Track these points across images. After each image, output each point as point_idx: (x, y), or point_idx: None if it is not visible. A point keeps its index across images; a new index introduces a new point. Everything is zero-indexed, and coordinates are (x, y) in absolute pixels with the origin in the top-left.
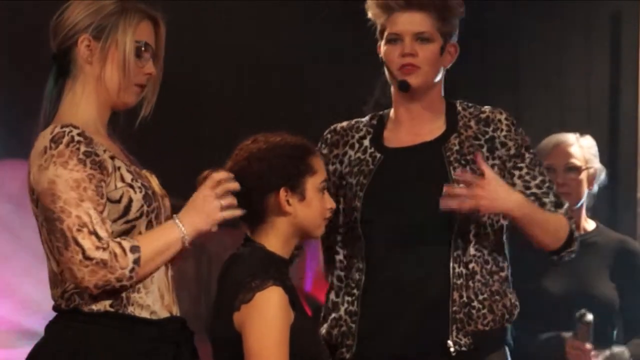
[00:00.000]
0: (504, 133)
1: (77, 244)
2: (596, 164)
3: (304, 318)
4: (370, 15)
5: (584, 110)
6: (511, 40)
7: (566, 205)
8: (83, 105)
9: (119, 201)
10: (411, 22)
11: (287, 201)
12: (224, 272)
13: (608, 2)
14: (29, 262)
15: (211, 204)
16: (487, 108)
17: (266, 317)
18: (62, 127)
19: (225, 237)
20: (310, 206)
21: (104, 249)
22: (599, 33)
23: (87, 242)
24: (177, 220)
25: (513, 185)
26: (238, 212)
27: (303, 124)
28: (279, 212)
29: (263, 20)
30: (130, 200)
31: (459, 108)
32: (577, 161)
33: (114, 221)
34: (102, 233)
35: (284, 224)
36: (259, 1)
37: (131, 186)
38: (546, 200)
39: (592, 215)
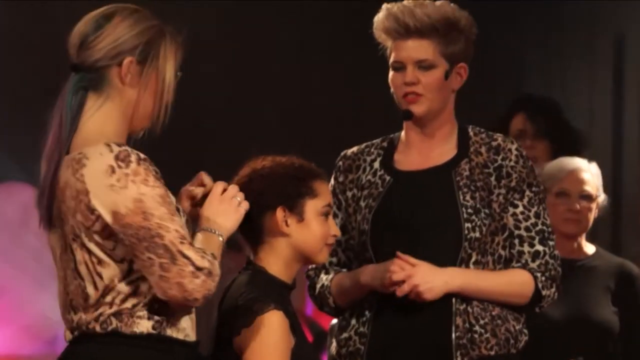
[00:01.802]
0: (511, 163)
1: (185, 256)
2: (602, 192)
3: (305, 343)
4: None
5: (587, 133)
6: (514, 64)
7: (547, 255)
8: (113, 124)
9: None
10: (412, 49)
11: (285, 221)
12: (225, 295)
13: (611, 25)
14: (28, 288)
15: (231, 204)
16: (499, 136)
17: (266, 341)
18: (119, 146)
19: (227, 261)
20: (308, 228)
21: (205, 258)
22: (603, 56)
23: (192, 253)
24: (212, 230)
25: (501, 219)
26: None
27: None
28: (277, 232)
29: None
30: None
31: (471, 133)
32: (591, 189)
33: None
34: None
35: (283, 246)
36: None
37: (178, 209)
38: (525, 249)
39: (592, 239)
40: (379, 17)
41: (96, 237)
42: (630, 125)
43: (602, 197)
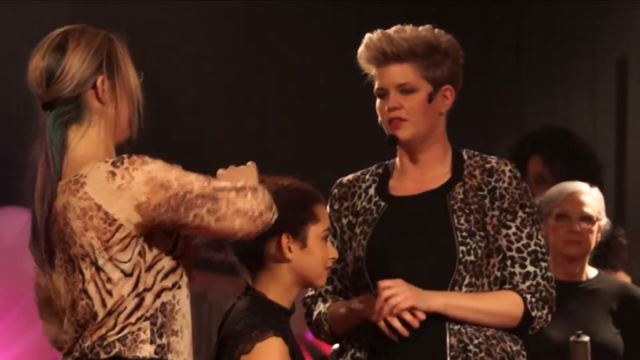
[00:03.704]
0: (504, 185)
1: (220, 189)
2: (604, 216)
3: None
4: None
5: None
6: (516, 87)
7: (538, 277)
8: (101, 145)
9: (170, 235)
10: (393, 74)
11: (289, 248)
12: (224, 321)
13: (614, 47)
14: (26, 313)
15: (237, 169)
16: (493, 158)
17: None
18: (110, 159)
19: (226, 286)
20: (311, 254)
21: (239, 180)
22: (605, 79)
23: (224, 182)
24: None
25: (495, 241)
26: None
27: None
28: (280, 258)
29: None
30: (178, 236)
31: (465, 157)
32: (591, 211)
33: (167, 254)
34: None
35: (284, 272)
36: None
37: None
38: (517, 270)
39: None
40: (361, 47)
41: (113, 251)
42: (634, 148)
43: (604, 221)
